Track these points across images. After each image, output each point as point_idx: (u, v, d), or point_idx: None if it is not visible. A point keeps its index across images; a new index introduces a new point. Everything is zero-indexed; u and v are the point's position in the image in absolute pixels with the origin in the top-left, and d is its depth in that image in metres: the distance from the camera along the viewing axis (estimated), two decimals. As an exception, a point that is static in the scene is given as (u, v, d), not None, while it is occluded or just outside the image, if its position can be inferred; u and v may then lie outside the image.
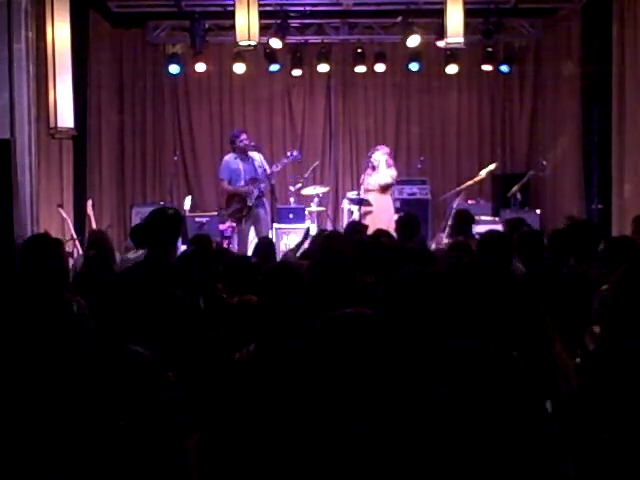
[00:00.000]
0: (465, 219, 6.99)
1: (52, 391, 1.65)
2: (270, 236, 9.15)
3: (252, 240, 9.23)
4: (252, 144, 9.62)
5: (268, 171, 9.43)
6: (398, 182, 10.37)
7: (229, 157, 9.65)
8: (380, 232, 6.33)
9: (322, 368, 1.84)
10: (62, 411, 1.57)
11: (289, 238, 9.79)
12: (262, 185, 9.38)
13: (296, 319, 2.92)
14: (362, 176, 9.93)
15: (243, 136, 9.55)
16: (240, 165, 9.48)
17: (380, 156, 9.79)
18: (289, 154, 10.06)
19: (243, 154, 9.50)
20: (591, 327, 3.18)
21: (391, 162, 9.97)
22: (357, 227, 7.22)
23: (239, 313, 3.72)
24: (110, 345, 1.66)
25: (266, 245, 6.72)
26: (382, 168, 9.71)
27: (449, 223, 9.36)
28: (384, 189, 9.73)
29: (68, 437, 1.54)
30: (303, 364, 1.89)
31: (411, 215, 7.13)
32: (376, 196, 9.67)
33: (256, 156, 9.55)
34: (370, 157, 9.87)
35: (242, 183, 9.45)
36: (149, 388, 1.57)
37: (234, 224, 9.75)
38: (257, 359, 2.82)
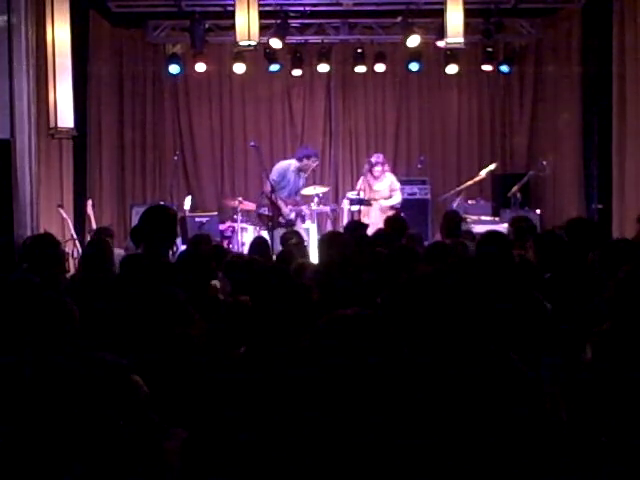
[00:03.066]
0: (453, 220, 7.01)
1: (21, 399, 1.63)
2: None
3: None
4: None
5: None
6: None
7: (288, 164, 9.81)
8: (380, 231, 6.37)
9: (322, 369, 1.84)
10: (31, 419, 1.55)
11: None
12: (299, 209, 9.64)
13: (287, 320, 2.91)
14: (361, 184, 9.98)
15: (313, 159, 9.76)
16: (292, 178, 9.68)
17: (378, 164, 9.92)
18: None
19: (303, 172, 9.73)
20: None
21: (388, 169, 10.09)
22: (358, 225, 7.24)
23: (233, 313, 3.71)
24: (73, 353, 1.63)
25: (260, 244, 6.75)
26: (381, 178, 9.87)
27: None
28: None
29: (38, 444, 1.52)
30: (302, 366, 1.89)
31: (399, 216, 7.39)
32: (376, 203, 9.81)
33: (303, 179, 9.84)
34: (366, 166, 9.99)
35: (286, 195, 9.61)
36: (112, 393, 1.54)
37: (234, 224, 9.75)
38: (247, 360, 2.81)
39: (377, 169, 9.91)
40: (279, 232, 9.03)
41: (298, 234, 6.93)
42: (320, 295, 3.76)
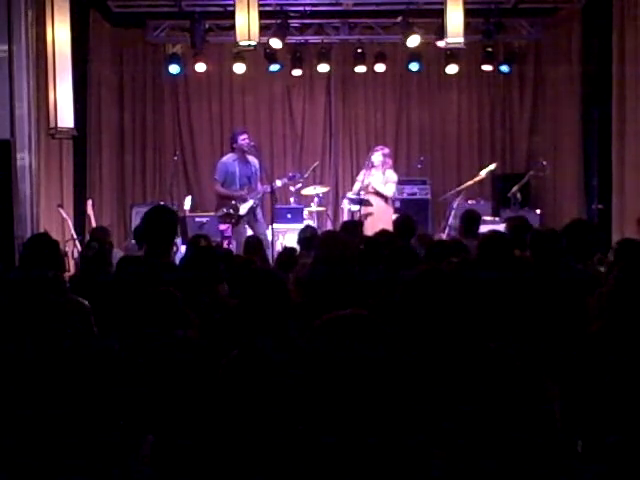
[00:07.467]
0: (473, 219, 7.02)
1: None
2: (266, 236, 9.16)
3: None
4: (252, 144, 9.63)
5: (259, 179, 9.47)
6: (398, 182, 10.32)
7: (227, 158, 9.67)
8: (383, 232, 6.35)
9: (319, 370, 1.84)
10: None
11: (285, 238, 9.82)
12: (258, 194, 9.43)
13: (276, 323, 2.91)
14: (362, 176, 9.85)
15: (243, 135, 9.55)
16: (237, 168, 9.49)
17: (379, 157, 9.72)
18: (291, 175, 10.07)
19: (242, 156, 9.50)
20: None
21: (390, 162, 9.89)
22: (352, 226, 7.23)
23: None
24: None
25: (254, 244, 6.73)
26: (381, 171, 9.67)
27: (449, 223, 9.38)
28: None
29: None
30: (299, 367, 1.89)
31: (408, 216, 7.22)
32: (377, 197, 9.65)
33: (255, 162, 9.59)
34: (370, 158, 9.80)
35: (237, 187, 9.47)
36: None
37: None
38: (239, 364, 2.79)
39: (377, 155, 9.65)
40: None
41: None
42: (315, 295, 3.75)
